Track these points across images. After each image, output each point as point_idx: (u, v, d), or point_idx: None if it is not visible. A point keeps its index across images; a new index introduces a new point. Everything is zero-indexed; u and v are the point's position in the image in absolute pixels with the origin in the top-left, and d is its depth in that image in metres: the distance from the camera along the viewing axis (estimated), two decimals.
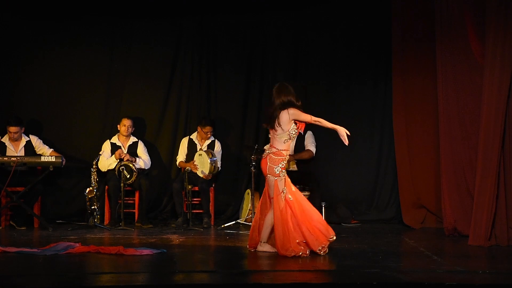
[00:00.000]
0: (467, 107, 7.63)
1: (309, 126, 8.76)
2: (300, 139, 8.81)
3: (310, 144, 8.79)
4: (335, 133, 6.46)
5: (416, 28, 8.59)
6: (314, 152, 8.77)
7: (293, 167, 8.90)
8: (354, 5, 9.31)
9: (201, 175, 8.59)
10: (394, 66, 8.88)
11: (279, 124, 6.37)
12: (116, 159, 8.72)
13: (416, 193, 8.78)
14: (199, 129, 8.96)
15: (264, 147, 6.91)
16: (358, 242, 7.27)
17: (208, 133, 8.91)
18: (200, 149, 8.82)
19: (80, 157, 9.23)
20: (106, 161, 8.84)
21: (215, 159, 8.58)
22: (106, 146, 8.97)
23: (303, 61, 9.50)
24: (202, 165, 8.53)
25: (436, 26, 7.96)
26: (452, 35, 7.75)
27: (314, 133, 8.83)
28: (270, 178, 6.45)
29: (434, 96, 8.19)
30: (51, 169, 8.39)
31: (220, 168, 8.95)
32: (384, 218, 9.25)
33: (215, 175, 8.86)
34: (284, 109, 6.37)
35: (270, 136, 6.56)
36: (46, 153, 8.78)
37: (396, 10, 8.74)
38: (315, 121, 6.47)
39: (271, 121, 6.41)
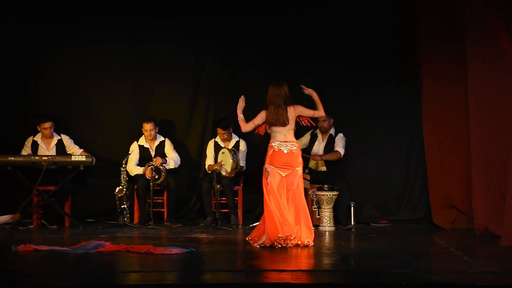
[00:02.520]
0: (498, 107, 7.55)
1: (339, 129, 8.83)
2: (331, 140, 8.83)
3: (339, 145, 8.79)
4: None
5: (444, 30, 8.51)
6: (342, 154, 8.76)
7: (322, 168, 8.90)
8: (379, 6, 9.23)
9: (223, 173, 8.60)
10: (423, 66, 8.81)
11: (291, 119, 7.04)
12: (149, 177, 8.71)
13: (447, 193, 8.70)
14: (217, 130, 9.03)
15: (274, 144, 7.04)
16: (387, 242, 7.23)
17: (224, 134, 8.93)
18: (224, 147, 8.84)
19: (109, 156, 9.27)
20: (134, 168, 8.87)
21: (237, 157, 8.58)
22: (134, 148, 9.02)
23: (326, 62, 9.46)
24: (225, 163, 8.55)
25: (466, 27, 7.92)
26: (482, 36, 7.69)
27: (344, 134, 8.86)
28: (300, 170, 6.99)
29: (464, 96, 8.13)
30: (82, 168, 8.48)
31: (244, 168, 8.96)
32: (413, 218, 9.19)
33: (239, 174, 8.87)
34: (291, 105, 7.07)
35: (276, 131, 7.01)
36: (77, 153, 8.86)
37: (422, 13, 8.68)
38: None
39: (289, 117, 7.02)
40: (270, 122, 7.04)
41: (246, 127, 7.17)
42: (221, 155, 8.61)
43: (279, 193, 6.91)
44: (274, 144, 7.02)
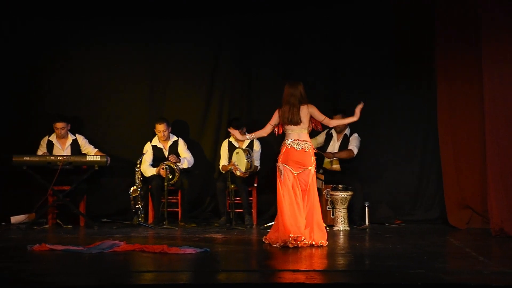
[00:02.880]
0: None
1: (354, 129, 8.81)
2: (346, 140, 8.84)
3: (353, 145, 8.80)
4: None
5: (460, 32, 8.52)
6: (355, 153, 8.75)
7: (336, 167, 8.89)
8: (394, 9, 9.20)
9: (238, 174, 8.60)
10: (438, 67, 8.78)
11: (304, 117, 7.08)
12: (164, 176, 8.71)
13: (461, 193, 8.67)
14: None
15: (287, 141, 7.05)
16: (402, 243, 7.21)
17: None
18: (238, 147, 8.84)
19: (124, 156, 9.30)
20: (148, 168, 8.89)
21: (252, 157, 8.58)
22: (148, 149, 9.04)
23: (341, 61, 9.44)
24: (239, 163, 8.54)
25: (482, 30, 7.92)
26: (498, 37, 7.73)
27: (359, 135, 8.88)
28: (312, 170, 7.00)
29: (480, 97, 8.13)
30: (96, 168, 8.52)
31: (259, 168, 8.96)
32: (428, 218, 9.15)
33: (253, 174, 8.87)
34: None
35: (290, 130, 7.05)
36: (91, 153, 8.90)
37: (438, 16, 8.66)
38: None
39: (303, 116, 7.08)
40: (284, 121, 7.07)
41: (264, 131, 7.26)
42: (236, 155, 8.61)
43: (293, 191, 6.91)
44: (287, 142, 7.05)
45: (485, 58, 7.92)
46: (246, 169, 8.45)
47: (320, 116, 7.14)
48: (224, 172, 8.81)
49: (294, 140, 7.04)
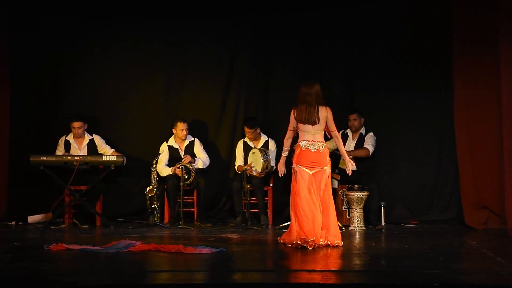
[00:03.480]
0: None
1: (370, 128, 8.80)
2: (361, 139, 8.83)
3: (368, 143, 8.79)
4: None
5: (477, 35, 8.51)
6: (371, 152, 8.74)
7: (352, 167, 8.85)
8: (412, 11, 9.16)
9: (254, 174, 8.60)
10: (455, 68, 8.76)
11: (322, 119, 7.01)
12: (180, 175, 8.73)
13: (478, 194, 8.63)
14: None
15: (302, 143, 7.01)
16: (418, 243, 7.18)
17: (250, 133, 8.95)
18: (254, 147, 8.84)
19: (140, 156, 9.33)
20: (164, 168, 8.90)
21: (268, 157, 8.58)
22: (164, 148, 9.05)
23: (358, 63, 9.42)
24: (255, 163, 8.54)
25: (499, 32, 7.94)
26: None
27: (375, 134, 8.87)
28: (328, 170, 6.97)
29: (497, 96, 8.12)
30: (113, 168, 8.56)
31: (274, 167, 8.95)
32: (445, 218, 9.11)
33: (269, 174, 8.87)
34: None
35: (305, 130, 6.97)
36: (108, 153, 8.93)
37: (456, 19, 8.63)
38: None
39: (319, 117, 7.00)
40: (300, 120, 6.99)
41: (289, 136, 7.16)
42: (252, 155, 8.62)
43: (309, 192, 6.88)
44: (302, 143, 6.99)
45: (502, 60, 7.92)
46: (262, 169, 8.45)
47: (332, 125, 7.04)
48: (239, 172, 8.82)
49: (308, 141, 6.98)
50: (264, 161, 8.42)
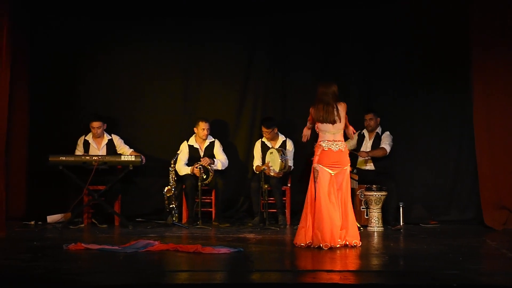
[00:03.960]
0: None
1: (388, 128, 8.78)
2: (378, 138, 8.82)
3: (385, 143, 8.79)
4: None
5: (496, 37, 8.49)
6: (388, 151, 8.73)
7: (370, 166, 8.86)
8: (431, 13, 9.12)
9: (272, 174, 8.59)
10: (474, 70, 8.72)
11: (342, 117, 6.96)
12: (198, 175, 8.73)
13: (498, 194, 8.58)
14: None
15: (323, 143, 6.97)
16: (437, 243, 7.14)
17: (267, 133, 8.95)
18: (272, 147, 8.83)
19: (158, 156, 9.34)
20: (182, 167, 8.92)
21: (286, 157, 8.56)
22: (184, 148, 9.07)
23: (376, 64, 9.39)
24: (273, 163, 8.53)
25: None
26: None
27: (394, 134, 8.87)
28: (348, 169, 6.96)
29: None
30: (131, 168, 8.59)
31: (292, 167, 8.95)
32: (464, 219, 9.06)
33: (287, 174, 8.86)
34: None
35: (325, 130, 6.91)
36: (126, 153, 8.96)
37: (474, 21, 8.60)
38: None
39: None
40: (319, 120, 6.93)
41: (308, 127, 7.17)
42: (269, 155, 8.61)
43: (328, 192, 6.84)
44: (323, 143, 6.93)
45: None
46: (280, 169, 8.44)
47: (346, 123, 7.04)
48: (257, 172, 8.82)
49: (329, 141, 6.92)
50: (282, 161, 8.40)
